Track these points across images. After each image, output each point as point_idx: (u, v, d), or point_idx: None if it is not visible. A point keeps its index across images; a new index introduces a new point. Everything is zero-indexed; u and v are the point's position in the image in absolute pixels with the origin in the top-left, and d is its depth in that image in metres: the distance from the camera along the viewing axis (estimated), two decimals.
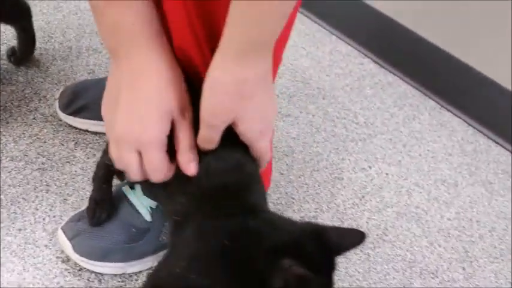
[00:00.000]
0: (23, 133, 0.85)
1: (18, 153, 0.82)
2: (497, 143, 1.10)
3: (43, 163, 0.82)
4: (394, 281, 0.82)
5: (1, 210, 0.75)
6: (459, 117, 1.13)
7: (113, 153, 0.54)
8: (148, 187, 0.68)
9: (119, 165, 0.54)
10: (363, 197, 0.93)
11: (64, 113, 0.87)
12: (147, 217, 0.71)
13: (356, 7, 1.20)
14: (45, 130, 0.86)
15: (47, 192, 0.78)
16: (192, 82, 0.55)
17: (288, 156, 0.96)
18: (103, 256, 0.69)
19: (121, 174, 0.68)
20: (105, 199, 0.69)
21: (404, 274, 0.83)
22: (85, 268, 0.70)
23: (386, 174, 0.98)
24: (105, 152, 0.68)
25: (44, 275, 0.69)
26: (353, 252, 0.84)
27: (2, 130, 0.84)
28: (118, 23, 0.50)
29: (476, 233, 0.93)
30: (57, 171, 0.81)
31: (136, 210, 0.71)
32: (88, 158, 0.84)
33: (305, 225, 0.51)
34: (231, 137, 0.52)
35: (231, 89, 0.48)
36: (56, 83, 0.94)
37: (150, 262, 0.72)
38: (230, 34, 0.47)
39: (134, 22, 0.50)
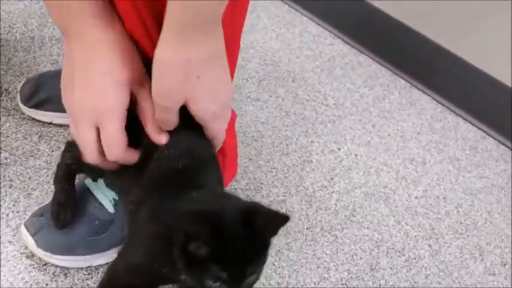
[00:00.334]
0: None
1: None
2: (465, 119, 1.11)
3: (6, 158, 0.81)
4: (361, 261, 0.83)
5: None
6: (429, 95, 1.14)
7: (73, 132, 0.54)
8: (108, 179, 0.67)
9: (78, 142, 0.54)
10: (332, 179, 0.94)
11: (26, 106, 0.85)
12: (111, 209, 0.71)
13: None
14: (7, 124, 0.85)
15: (10, 188, 0.78)
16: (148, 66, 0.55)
17: (257, 141, 0.96)
18: (67, 250, 0.69)
19: (85, 171, 0.67)
20: (69, 200, 0.69)
21: (371, 254, 0.85)
22: (50, 263, 0.70)
23: (355, 155, 0.99)
24: (65, 152, 0.67)
25: (8, 271, 0.69)
26: (321, 235, 0.85)
27: None
28: (66, 4, 0.50)
29: (443, 210, 0.94)
30: (21, 165, 0.80)
31: (100, 203, 0.71)
32: (53, 151, 0.84)
33: (241, 203, 0.51)
34: (188, 117, 0.53)
35: (175, 69, 0.49)
36: (18, 75, 0.93)
37: (115, 254, 0.72)
38: (169, 15, 0.47)
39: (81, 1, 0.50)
